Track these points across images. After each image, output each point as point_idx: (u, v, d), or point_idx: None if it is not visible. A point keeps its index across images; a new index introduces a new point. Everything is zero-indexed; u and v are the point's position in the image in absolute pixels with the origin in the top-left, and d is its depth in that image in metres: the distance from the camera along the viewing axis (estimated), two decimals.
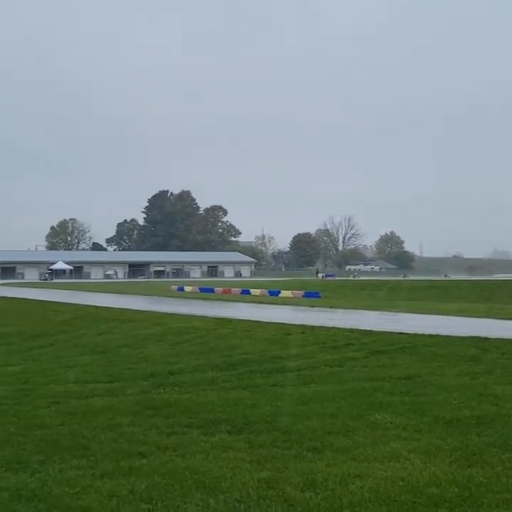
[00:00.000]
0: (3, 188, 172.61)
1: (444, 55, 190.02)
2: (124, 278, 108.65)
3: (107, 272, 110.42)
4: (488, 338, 15.10)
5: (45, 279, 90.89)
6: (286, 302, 35.01)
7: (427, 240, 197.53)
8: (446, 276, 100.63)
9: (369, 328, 17.66)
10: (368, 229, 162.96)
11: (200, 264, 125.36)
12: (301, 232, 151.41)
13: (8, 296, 38.48)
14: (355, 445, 6.64)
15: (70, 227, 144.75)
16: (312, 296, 38.75)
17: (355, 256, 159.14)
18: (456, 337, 15.65)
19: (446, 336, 15.93)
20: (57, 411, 8.35)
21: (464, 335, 15.74)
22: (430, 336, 15.97)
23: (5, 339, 16.75)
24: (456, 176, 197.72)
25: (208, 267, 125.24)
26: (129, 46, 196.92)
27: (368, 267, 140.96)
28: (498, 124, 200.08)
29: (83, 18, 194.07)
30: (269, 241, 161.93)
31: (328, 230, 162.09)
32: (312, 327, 18.52)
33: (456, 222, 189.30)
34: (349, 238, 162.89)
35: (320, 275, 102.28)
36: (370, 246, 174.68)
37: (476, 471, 5.70)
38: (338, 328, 18.09)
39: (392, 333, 16.79)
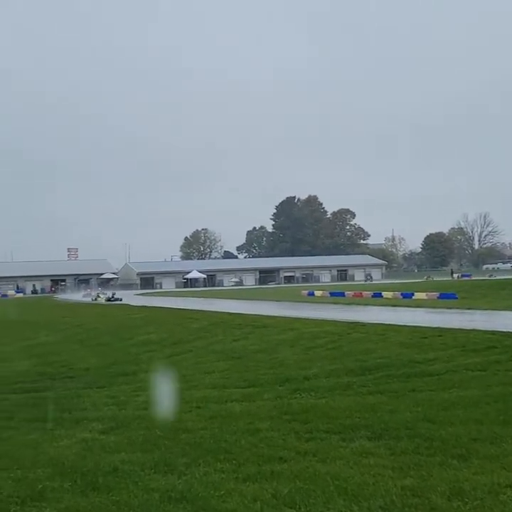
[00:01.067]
0: (141, 202, 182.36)
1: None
2: (255, 284, 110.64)
3: (231, 280, 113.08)
4: None
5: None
6: (420, 304, 34.02)
7: None
8: (469, 275, 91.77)
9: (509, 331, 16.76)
10: (506, 226, 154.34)
11: (329, 268, 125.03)
12: (433, 231, 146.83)
13: (148, 305, 40.42)
14: (505, 453, 6.31)
15: (203, 237, 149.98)
16: (448, 298, 37.37)
17: (492, 254, 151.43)
18: None
19: None
20: (199, 415, 8.63)
21: None
22: None
23: (147, 346, 17.58)
24: None
25: (338, 270, 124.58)
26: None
27: (508, 265, 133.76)
28: None
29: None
30: (400, 242, 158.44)
31: (462, 228, 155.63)
32: (450, 329, 17.86)
33: None
34: (485, 236, 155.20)
35: (455, 275, 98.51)
36: (510, 243, 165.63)
37: None
38: (478, 331, 17.30)
39: None
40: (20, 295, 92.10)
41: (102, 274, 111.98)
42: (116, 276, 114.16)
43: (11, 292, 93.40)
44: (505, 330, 16.95)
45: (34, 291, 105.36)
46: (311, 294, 51.08)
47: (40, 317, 33.62)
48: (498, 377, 10.74)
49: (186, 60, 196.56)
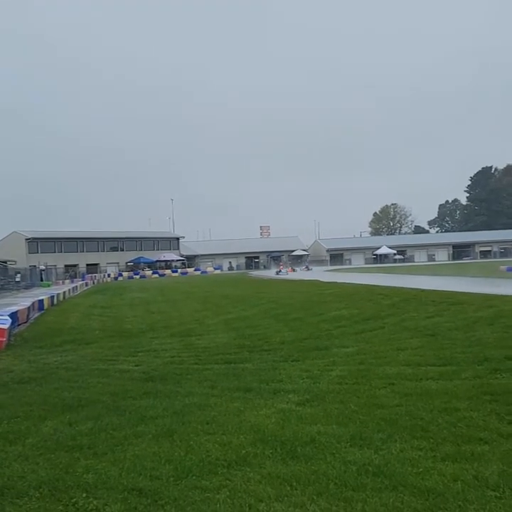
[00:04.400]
0: (330, 181, 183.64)
1: None
2: (448, 260, 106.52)
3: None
4: None
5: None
6: None
7: None
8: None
9: None
10: None
11: None
12: None
13: (339, 281, 40.74)
14: None
15: (392, 212, 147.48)
16: None
17: None
18: None
19: None
20: (393, 392, 8.58)
21: None
22: None
23: (339, 322, 17.75)
24: None
25: None
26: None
27: None
28: None
29: None
30: None
31: None
32: None
33: None
34: None
35: None
36: None
37: None
38: None
39: None
40: (218, 271, 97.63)
41: (293, 250, 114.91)
42: (306, 253, 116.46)
43: (210, 269, 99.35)
44: None
45: (230, 268, 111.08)
46: (511, 270, 48.05)
47: (237, 292, 35.41)
48: None
49: None
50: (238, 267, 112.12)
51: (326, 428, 6.85)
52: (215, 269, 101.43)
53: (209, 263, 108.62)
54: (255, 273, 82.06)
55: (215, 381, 9.88)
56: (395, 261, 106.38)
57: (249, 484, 5.34)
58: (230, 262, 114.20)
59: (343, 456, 5.89)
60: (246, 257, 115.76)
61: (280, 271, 65.56)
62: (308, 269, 77.67)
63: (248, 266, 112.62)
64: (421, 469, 5.39)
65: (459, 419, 6.99)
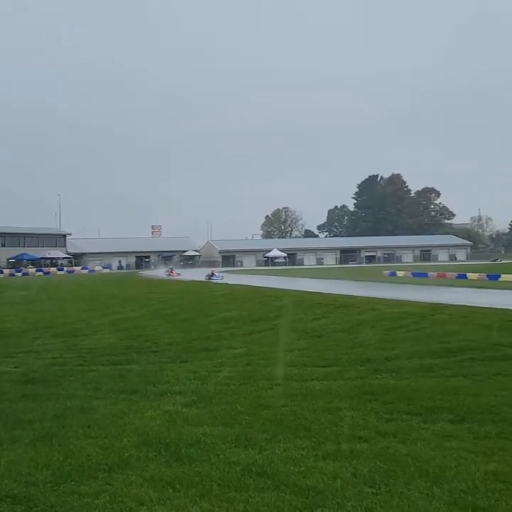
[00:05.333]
0: (224, 181, 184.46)
1: None
2: (336, 264, 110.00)
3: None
4: None
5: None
6: (507, 287, 32.89)
7: None
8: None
9: None
10: None
11: (412, 248, 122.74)
12: None
13: (229, 283, 40.97)
14: None
15: (283, 216, 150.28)
16: None
17: None
18: None
19: None
20: (279, 392, 8.71)
21: None
22: None
23: (229, 323, 17.83)
24: None
25: (421, 251, 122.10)
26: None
27: None
28: None
29: None
30: (487, 222, 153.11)
31: None
32: None
33: None
34: None
35: None
36: None
37: None
38: None
39: None
40: (107, 271, 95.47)
41: (184, 251, 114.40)
42: (198, 254, 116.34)
43: (98, 268, 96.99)
44: None
45: (120, 267, 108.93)
46: (393, 274, 50.32)
47: (126, 292, 34.76)
48: None
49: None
50: (128, 267, 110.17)
51: (211, 429, 6.84)
52: (104, 267, 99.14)
53: (98, 262, 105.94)
54: (145, 273, 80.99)
55: (100, 383, 9.62)
56: (284, 264, 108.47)
57: (131, 488, 5.23)
58: (119, 261, 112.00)
59: (227, 457, 5.90)
60: (136, 257, 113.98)
61: (212, 274, 53.00)
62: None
63: (138, 265, 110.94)
64: (303, 468, 5.50)
65: (341, 419, 7.20)
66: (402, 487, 4.99)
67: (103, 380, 9.83)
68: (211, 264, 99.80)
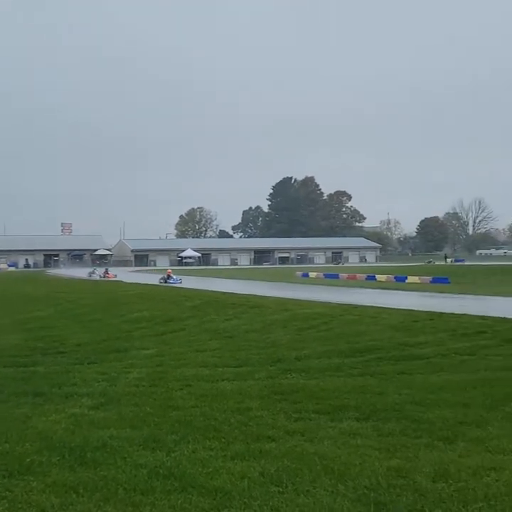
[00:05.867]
0: (135, 181, 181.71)
1: None
2: (250, 264, 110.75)
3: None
4: None
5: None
6: (413, 288, 34.17)
7: None
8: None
9: (502, 315, 16.86)
10: (500, 212, 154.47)
11: (324, 250, 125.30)
12: (428, 216, 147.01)
13: (141, 282, 40.40)
14: (490, 436, 6.38)
15: (198, 216, 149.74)
16: (441, 282, 37.56)
17: (486, 240, 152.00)
18: None
19: None
20: (190, 393, 8.66)
21: None
22: None
23: (140, 323, 17.58)
24: None
25: (333, 252, 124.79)
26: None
27: (501, 252, 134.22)
28: None
29: None
30: (395, 226, 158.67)
31: (457, 213, 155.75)
32: (441, 314, 17.95)
33: None
34: (480, 221, 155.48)
35: (449, 260, 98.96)
36: (503, 229, 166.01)
37: None
38: (469, 315, 17.42)
39: None
40: (13, 269, 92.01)
41: (96, 250, 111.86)
42: (110, 253, 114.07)
43: (4, 266, 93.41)
44: (495, 315, 17.06)
45: (27, 266, 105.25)
46: (306, 276, 51.21)
47: (33, 291, 33.61)
48: (486, 361, 10.82)
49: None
50: (36, 265, 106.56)
51: (119, 432, 6.70)
52: (10, 265, 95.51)
53: (3, 259, 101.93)
54: (54, 271, 78.62)
55: (1, 386, 9.23)
56: (198, 264, 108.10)
57: (32, 494, 5.03)
58: (26, 259, 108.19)
59: (134, 460, 5.79)
60: (44, 255, 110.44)
61: (169, 277, 44.28)
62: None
63: (46, 264, 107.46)
64: (211, 469, 5.47)
65: (250, 419, 7.23)
66: (308, 485, 5.05)
67: (5, 383, 9.45)
68: (124, 263, 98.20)
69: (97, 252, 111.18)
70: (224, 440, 6.38)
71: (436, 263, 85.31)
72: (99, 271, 60.83)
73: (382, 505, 4.62)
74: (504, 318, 16.42)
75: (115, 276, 55.12)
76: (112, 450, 6.08)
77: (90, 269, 64.24)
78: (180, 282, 41.37)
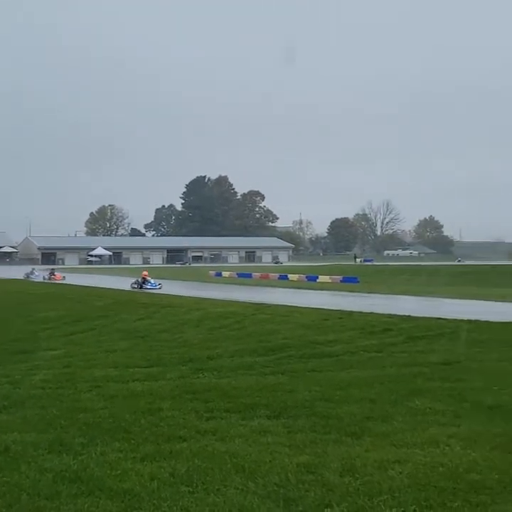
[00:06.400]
0: (45, 177, 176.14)
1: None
2: (162, 263, 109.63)
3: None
4: None
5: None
6: (324, 287, 34.93)
7: (467, 224, 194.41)
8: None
9: (408, 314, 17.52)
10: (407, 214, 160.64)
11: (237, 249, 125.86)
12: (339, 216, 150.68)
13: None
14: (395, 431, 6.61)
15: (109, 213, 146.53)
16: (350, 281, 38.59)
17: (393, 241, 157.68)
18: (496, 322, 15.44)
19: (486, 321, 15.72)
20: (99, 395, 8.48)
21: (505, 320, 15.52)
22: (470, 321, 15.79)
23: (48, 324, 17.06)
24: (495, 161, 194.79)
25: (246, 252, 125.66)
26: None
27: (407, 252, 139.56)
28: None
29: None
30: (307, 226, 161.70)
31: (366, 214, 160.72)
32: (350, 312, 18.45)
33: (497, 207, 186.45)
34: (387, 223, 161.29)
35: (358, 260, 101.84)
36: (409, 231, 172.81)
37: None
38: (377, 314, 18.00)
39: (431, 318, 16.63)
40: None
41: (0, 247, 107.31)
42: (15, 251, 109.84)
43: None
44: (401, 313, 17.71)
45: None
46: (219, 275, 51.28)
47: None
48: (393, 358, 11.20)
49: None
50: None
51: (22, 436, 6.46)
52: None
53: None
54: None
55: None
56: (110, 262, 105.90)
57: None
58: None
59: (39, 465, 5.59)
60: None
61: (144, 281, 35.02)
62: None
63: None
64: (119, 471, 5.37)
65: (162, 419, 7.16)
66: (219, 484, 5.06)
67: None
68: (30, 261, 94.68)
69: (1, 250, 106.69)
70: (134, 441, 6.28)
71: (343, 263, 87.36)
72: (40, 272, 50.65)
73: (291, 501, 4.69)
74: (409, 316, 17.08)
75: (63, 278, 46.72)
76: (15, 455, 5.86)
77: (27, 270, 53.16)
78: (160, 287, 33.73)
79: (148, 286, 33.84)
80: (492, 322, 15.50)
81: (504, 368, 10.25)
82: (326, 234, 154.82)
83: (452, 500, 4.66)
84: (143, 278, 35.06)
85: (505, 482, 5.00)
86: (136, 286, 34.61)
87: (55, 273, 48.53)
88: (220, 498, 4.73)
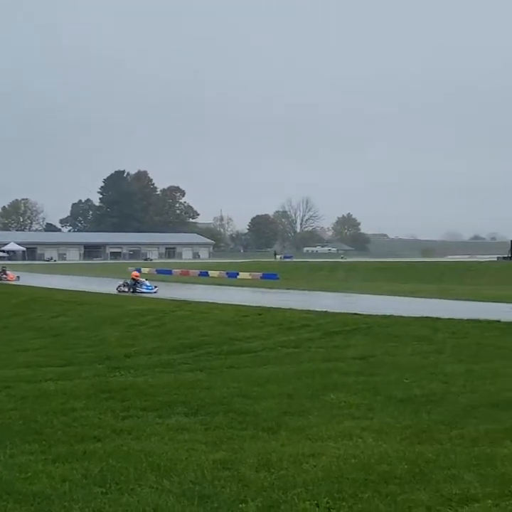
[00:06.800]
0: None
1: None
2: (79, 259, 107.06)
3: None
4: (439, 318, 15.47)
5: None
6: (244, 284, 35.11)
7: (384, 222, 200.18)
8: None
9: (325, 309, 17.86)
10: (325, 211, 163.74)
11: (157, 245, 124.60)
12: (259, 213, 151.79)
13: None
14: (310, 425, 6.73)
15: (22, 208, 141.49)
16: (270, 278, 38.98)
17: (312, 238, 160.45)
18: (409, 317, 15.97)
19: (400, 316, 16.24)
20: (9, 395, 8.20)
21: (417, 315, 16.07)
22: (384, 316, 16.27)
23: None
24: (411, 162, 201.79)
25: (166, 248, 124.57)
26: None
27: (326, 249, 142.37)
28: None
29: None
30: (228, 222, 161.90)
31: (286, 211, 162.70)
32: (269, 309, 18.63)
33: (411, 205, 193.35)
34: (307, 220, 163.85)
35: (278, 257, 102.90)
36: (328, 228, 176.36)
37: (426, 448, 5.84)
38: (295, 310, 18.25)
39: (347, 314, 17.02)
40: None
41: None
42: None
43: None
44: (319, 309, 18.03)
45: None
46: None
47: None
48: (310, 353, 11.41)
49: None
50: None
51: None
52: None
53: None
54: None
55: None
56: (23, 258, 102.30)
57: None
58: None
59: None
60: None
61: (136, 283, 28.70)
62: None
63: None
64: (30, 474, 5.19)
65: (75, 419, 6.99)
66: (133, 483, 4.98)
67: None
68: None
69: None
70: (45, 443, 6.09)
71: (264, 260, 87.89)
72: (11, 273, 41.18)
73: (206, 498, 4.68)
74: (326, 312, 17.42)
75: (17, 278, 39.60)
76: None
77: None
78: (156, 291, 27.56)
79: (144, 290, 27.51)
80: (406, 317, 16.01)
81: (416, 361, 10.62)
82: (246, 230, 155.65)
83: (363, 491, 4.78)
84: (133, 279, 28.92)
85: (414, 472, 5.18)
86: (126, 289, 28.13)
87: (8, 272, 40.63)
88: (134, 498, 4.66)
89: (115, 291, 27.13)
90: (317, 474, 5.16)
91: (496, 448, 5.80)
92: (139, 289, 27.42)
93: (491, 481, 4.96)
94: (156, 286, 28.27)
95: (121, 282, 28.99)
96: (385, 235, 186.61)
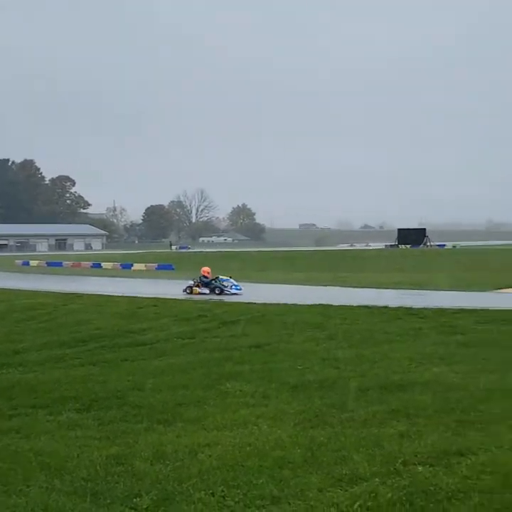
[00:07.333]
0: None
1: None
2: None
3: None
4: (331, 305, 15.94)
5: None
6: (138, 275, 34.59)
7: (280, 212, 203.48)
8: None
9: (219, 299, 17.94)
10: (220, 201, 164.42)
11: (47, 237, 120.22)
12: (154, 204, 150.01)
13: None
14: (206, 415, 6.74)
15: None
16: (165, 269, 38.61)
17: (208, 228, 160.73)
18: (303, 305, 16.35)
19: (294, 304, 16.59)
20: None
21: (311, 303, 16.47)
22: (279, 304, 16.56)
23: None
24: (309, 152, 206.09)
25: (56, 240, 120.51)
26: None
27: (221, 239, 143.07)
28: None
29: None
30: (121, 213, 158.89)
31: (181, 202, 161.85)
32: (165, 300, 18.47)
33: (308, 195, 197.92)
34: (202, 210, 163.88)
35: (174, 247, 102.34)
36: (223, 218, 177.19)
37: (318, 432, 6.01)
38: (191, 300, 18.21)
39: (243, 303, 17.19)
40: None
41: None
42: None
43: None
44: (215, 299, 18.09)
45: None
46: (26, 264, 48.70)
47: None
48: (206, 344, 11.41)
49: None
50: None
51: None
52: None
53: None
54: None
55: None
56: None
57: None
58: None
59: None
60: None
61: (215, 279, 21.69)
62: None
63: None
64: None
65: None
66: (21, 484, 4.79)
67: None
68: None
69: None
70: None
71: (159, 250, 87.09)
72: None
73: (99, 495, 4.59)
74: (223, 301, 17.50)
75: None
76: None
77: None
78: (242, 292, 20.95)
79: (233, 291, 21.01)
80: (300, 305, 16.37)
81: (309, 348, 10.88)
82: (141, 221, 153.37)
83: (258, 477, 4.86)
84: (205, 277, 21.78)
85: (307, 456, 5.32)
86: (206, 291, 21.14)
87: None
88: (22, 499, 4.49)
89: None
90: (212, 464, 5.19)
91: (383, 429, 6.07)
92: (227, 290, 20.99)
93: (378, 460, 5.18)
94: (240, 287, 21.46)
95: (191, 282, 21.95)
96: (314, 225, 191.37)
